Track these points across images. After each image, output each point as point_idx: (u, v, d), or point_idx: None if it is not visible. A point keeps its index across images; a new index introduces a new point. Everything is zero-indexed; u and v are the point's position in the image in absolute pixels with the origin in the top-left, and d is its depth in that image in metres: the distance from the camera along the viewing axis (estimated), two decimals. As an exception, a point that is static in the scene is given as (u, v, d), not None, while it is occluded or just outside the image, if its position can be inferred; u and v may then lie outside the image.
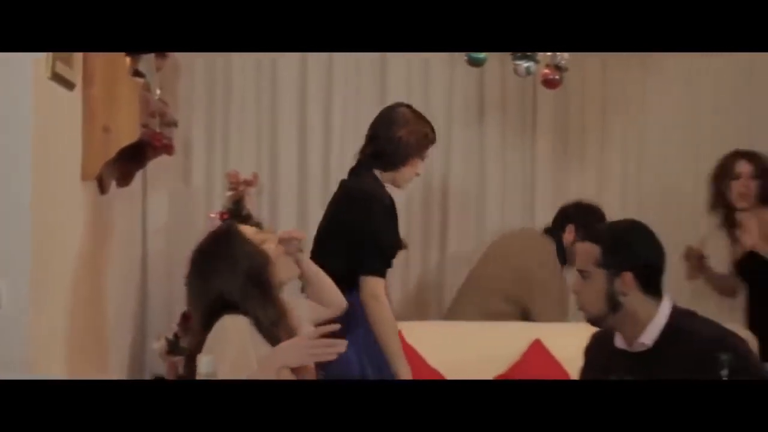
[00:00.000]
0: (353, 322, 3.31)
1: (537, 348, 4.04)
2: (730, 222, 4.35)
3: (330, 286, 3.15)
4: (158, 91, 4.02)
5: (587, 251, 2.69)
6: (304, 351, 2.67)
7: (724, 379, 2.16)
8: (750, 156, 4.40)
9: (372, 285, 3.37)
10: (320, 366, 2.96)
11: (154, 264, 5.00)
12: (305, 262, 3.12)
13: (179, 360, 3.03)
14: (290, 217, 4.97)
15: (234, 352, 2.67)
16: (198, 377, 2.05)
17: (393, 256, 3.50)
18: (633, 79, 5.12)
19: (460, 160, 5.12)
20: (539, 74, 4.14)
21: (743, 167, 4.37)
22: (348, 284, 3.35)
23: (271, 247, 2.95)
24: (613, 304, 2.65)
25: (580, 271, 2.70)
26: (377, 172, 3.56)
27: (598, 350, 2.83)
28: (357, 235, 3.39)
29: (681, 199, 5.00)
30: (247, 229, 2.95)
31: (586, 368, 2.87)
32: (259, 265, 2.85)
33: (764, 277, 4.23)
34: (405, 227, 4.52)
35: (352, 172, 3.69)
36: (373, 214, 3.44)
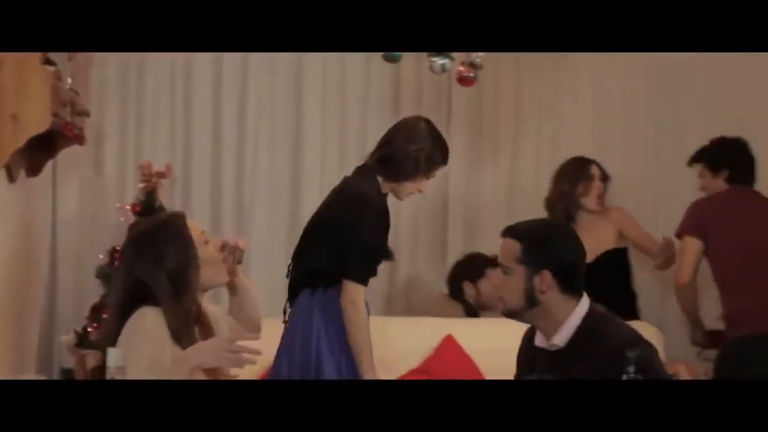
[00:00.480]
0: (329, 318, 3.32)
1: (449, 343, 4.08)
2: (569, 220, 4.52)
3: (253, 306, 3.09)
4: (69, 80, 3.96)
5: (509, 247, 2.72)
6: (221, 353, 2.63)
7: (631, 376, 2.19)
8: (596, 162, 4.66)
9: (353, 291, 3.30)
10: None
11: (63, 256, 4.92)
12: (239, 274, 3.06)
13: (88, 353, 2.98)
14: (203, 210, 4.94)
15: (151, 345, 2.63)
16: (107, 372, 2.03)
17: (378, 264, 3.43)
18: (546, 79, 5.20)
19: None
20: (454, 71, 4.18)
21: (595, 170, 4.59)
22: (328, 283, 3.35)
23: (209, 250, 2.90)
24: (531, 300, 2.68)
25: (502, 266, 2.73)
26: (380, 179, 3.47)
27: (525, 349, 2.87)
28: (346, 237, 3.32)
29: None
30: (193, 226, 2.89)
31: (517, 368, 2.90)
32: (185, 265, 2.80)
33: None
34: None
35: (357, 172, 3.61)
36: (366, 220, 3.36)
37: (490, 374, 4.04)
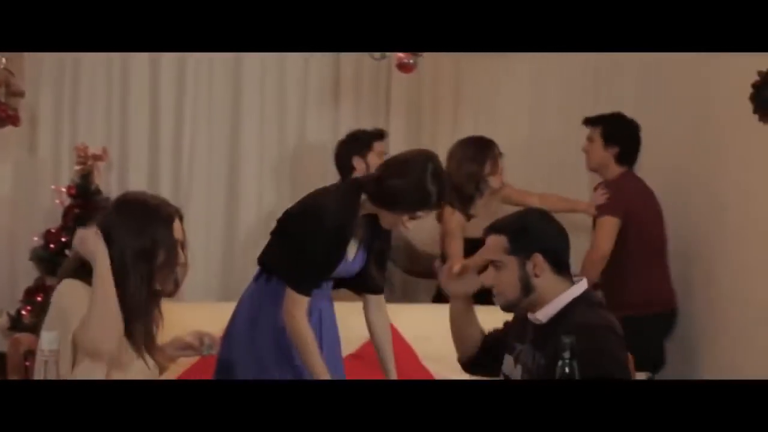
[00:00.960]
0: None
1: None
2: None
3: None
4: (3, 61, 3.90)
5: (495, 243, 2.79)
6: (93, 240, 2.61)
7: (566, 362, 2.23)
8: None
9: (291, 301, 3.18)
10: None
11: (-4, 237, 4.85)
12: None
13: (21, 336, 2.95)
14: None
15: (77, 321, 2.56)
16: (40, 354, 2.00)
17: (322, 277, 3.27)
18: (484, 67, 5.22)
19: (315, 141, 5.13)
20: (394, 58, 4.17)
21: (497, 149, 4.64)
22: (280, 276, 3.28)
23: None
24: (527, 287, 2.75)
25: (492, 263, 2.80)
26: (364, 196, 3.27)
27: (522, 321, 2.93)
28: (296, 244, 3.25)
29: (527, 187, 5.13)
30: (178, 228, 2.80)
31: (504, 333, 2.96)
32: (163, 252, 2.70)
33: None
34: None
35: (340, 183, 3.50)
36: (315, 233, 3.18)
37: (427, 360, 4.06)
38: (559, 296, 2.76)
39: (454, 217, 4.54)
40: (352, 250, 3.27)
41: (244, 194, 5.10)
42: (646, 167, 4.64)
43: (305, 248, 3.20)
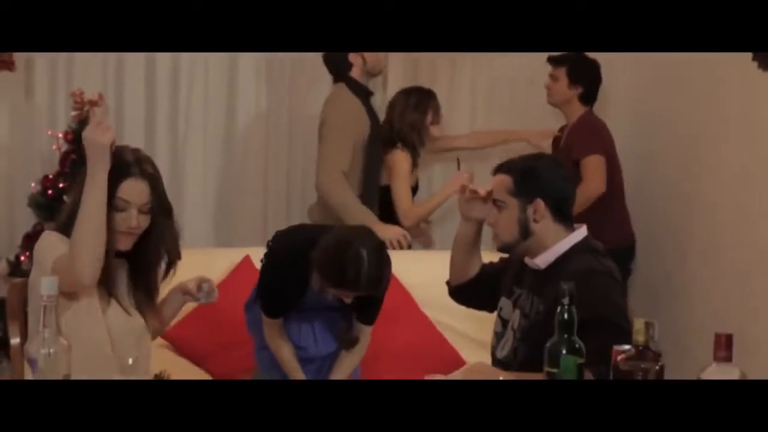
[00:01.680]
0: None
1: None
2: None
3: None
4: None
5: (501, 182, 2.81)
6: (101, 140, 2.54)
7: (566, 306, 2.23)
8: None
9: (264, 321, 3.33)
10: None
11: (-7, 184, 4.84)
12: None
13: (20, 281, 2.95)
14: (137, 139, 4.86)
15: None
16: (39, 300, 2.00)
17: (277, 309, 3.29)
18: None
19: (314, 88, 5.10)
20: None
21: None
22: None
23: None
24: (525, 231, 2.78)
25: (495, 201, 2.81)
26: None
27: (514, 261, 2.95)
28: (261, 274, 3.30)
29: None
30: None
31: (513, 280, 2.95)
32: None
33: None
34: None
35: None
36: (267, 267, 3.26)
37: (425, 307, 4.07)
38: (558, 243, 2.79)
39: (405, 159, 4.59)
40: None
41: (241, 143, 5.08)
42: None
43: (263, 279, 3.26)
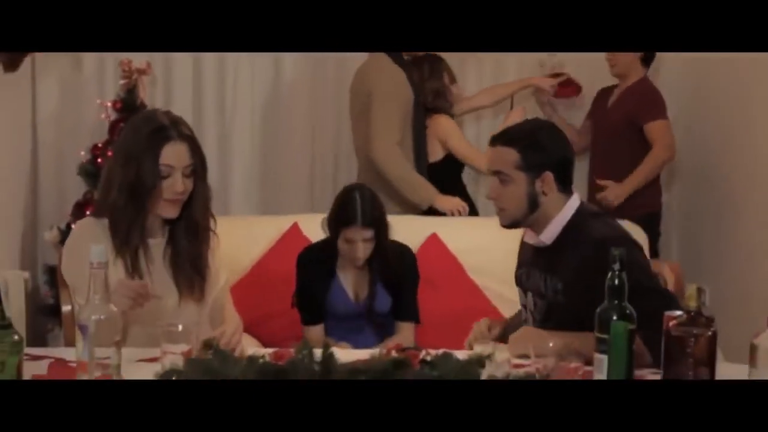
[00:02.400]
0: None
1: (433, 241, 4.09)
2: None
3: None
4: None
5: (504, 155, 2.69)
6: (117, 294, 2.40)
7: (616, 273, 2.20)
8: None
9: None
10: None
11: (44, 153, 4.87)
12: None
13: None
14: (185, 107, 4.87)
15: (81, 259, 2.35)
16: (89, 267, 2.02)
17: (312, 311, 3.57)
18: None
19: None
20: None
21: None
22: None
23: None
24: (533, 205, 2.68)
25: (498, 174, 2.70)
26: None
27: (522, 244, 2.91)
28: None
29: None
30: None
31: (518, 262, 2.94)
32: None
33: None
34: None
35: None
36: (299, 271, 3.61)
37: (472, 272, 4.06)
38: (559, 213, 2.69)
39: (447, 120, 4.59)
40: (349, 290, 3.55)
41: (287, 110, 5.07)
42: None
43: (297, 287, 3.60)
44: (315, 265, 3.57)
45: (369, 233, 3.42)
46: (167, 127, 2.60)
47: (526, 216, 2.70)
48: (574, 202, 2.72)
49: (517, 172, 2.66)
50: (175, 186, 2.59)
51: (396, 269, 3.54)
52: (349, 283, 3.55)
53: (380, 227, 3.45)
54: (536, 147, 2.68)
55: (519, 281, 2.88)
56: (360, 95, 4.38)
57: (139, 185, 2.58)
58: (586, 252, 2.58)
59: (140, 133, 2.61)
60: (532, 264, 2.78)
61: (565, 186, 2.72)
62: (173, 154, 2.60)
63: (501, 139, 2.73)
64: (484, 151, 4.17)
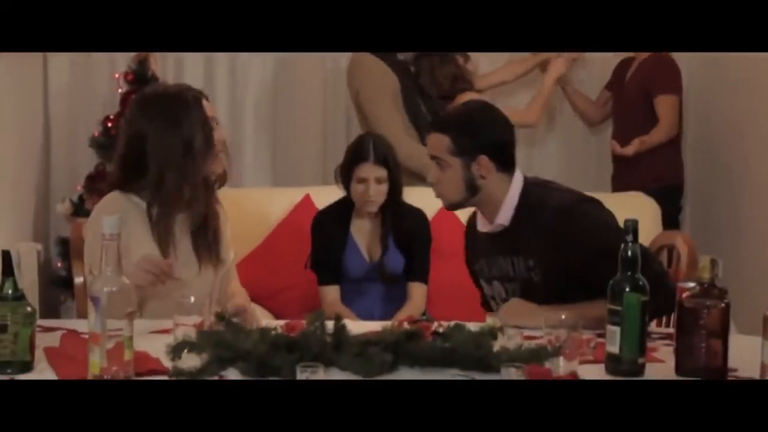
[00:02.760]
0: None
1: (446, 212, 4.07)
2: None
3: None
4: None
5: (438, 141, 2.68)
6: (136, 269, 2.45)
7: (630, 243, 2.18)
8: None
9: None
10: None
11: (56, 125, 4.87)
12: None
13: (83, 221, 2.98)
14: (197, 79, 4.86)
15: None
16: (102, 239, 2.01)
17: (325, 274, 3.59)
18: None
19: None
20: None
21: None
22: None
23: (217, 136, 2.72)
24: (472, 189, 2.67)
25: (435, 159, 2.69)
26: None
27: (471, 237, 2.89)
28: None
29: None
30: (209, 107, 2.71)
31: (466, 253, 2.94)
32: (199, 139, 2.63)
33: None
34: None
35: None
36: (314, 232, 3.64)
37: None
38: (508, 194, 2.67)
39: (472, 95, 4.46)
40: (363, 248, 3.58)
41: (298, 80, 5.04)
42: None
43: (312, 248, 3.63)
44: (331, 222, 3.61)
45: (382, 172, 3.48)
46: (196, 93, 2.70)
47: (467, 199, 2.69)
48: (518, 180, 2.69)
49: (451, 157, 2.65)
50: (221, 164, 2.72)
51: (409, 227, 3.57)
52: (363, 242, 3.59)
53: (393, 169, 3.51)
54: (468, 132, 2.65)
55: (480, 274, 2.85)
56: (353, 94, 4.45)
57: (191, 148, 2.63)
58: (550, 223, 2.58)
59: (180, 99, 2.66)
60: (494, 251, 2.74)
61: (505, 166, 2.68)
62: (208, 107, 2.69)
63: (435, 125, 2.75)
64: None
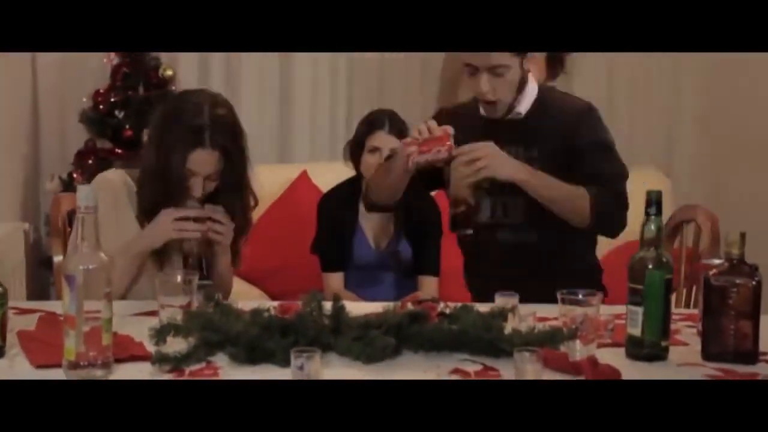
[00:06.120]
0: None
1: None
2: None
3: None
4: None
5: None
6: (166, 225, 2.44)
7: (652, 216, 2.01)
8: None
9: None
10: None
11: (45, 100, 4.70)
12: None
13: (63, 196, 2.83)
14: (192, 58, 4.68)
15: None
16: (77, 212, 1.85)
17: (328, 262, 3.39)
18: None
19: None
20: None
21: None
22: None
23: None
24: (522, 85, 2.74)
25: (494, 70, 2.66)
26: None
27: (464, 122, 2.75)
28: None
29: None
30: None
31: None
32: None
33: None
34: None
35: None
36: (320, 215, 3.44)
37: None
38: (528, 84, 2.75)
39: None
40: (369, 234, 3.39)
41: (298, 66, 4.88)
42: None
43: (317, 231, 3.42)
44: (338, 205, 3.42)
45: (396, 144, 3.16)
46: (203, 129, 2.52)
47: (515, 99, 2.74)
48: (534, 74, 2.84)
49: (512, 58, 2.68)
50: (194, 190, 2.55)
51: (419, 218, 3.38)
52: (370, 229, 3.40)
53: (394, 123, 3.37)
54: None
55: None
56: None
57: (165, 173, 2.53)
58: (569, 118, 2.71)
59: (179, 122, 2.53)
60: (510, 140, 2.69)
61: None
62: (200, 161, 2.52)
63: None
64: None
